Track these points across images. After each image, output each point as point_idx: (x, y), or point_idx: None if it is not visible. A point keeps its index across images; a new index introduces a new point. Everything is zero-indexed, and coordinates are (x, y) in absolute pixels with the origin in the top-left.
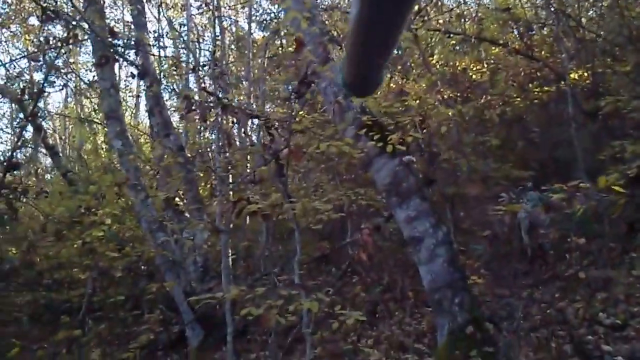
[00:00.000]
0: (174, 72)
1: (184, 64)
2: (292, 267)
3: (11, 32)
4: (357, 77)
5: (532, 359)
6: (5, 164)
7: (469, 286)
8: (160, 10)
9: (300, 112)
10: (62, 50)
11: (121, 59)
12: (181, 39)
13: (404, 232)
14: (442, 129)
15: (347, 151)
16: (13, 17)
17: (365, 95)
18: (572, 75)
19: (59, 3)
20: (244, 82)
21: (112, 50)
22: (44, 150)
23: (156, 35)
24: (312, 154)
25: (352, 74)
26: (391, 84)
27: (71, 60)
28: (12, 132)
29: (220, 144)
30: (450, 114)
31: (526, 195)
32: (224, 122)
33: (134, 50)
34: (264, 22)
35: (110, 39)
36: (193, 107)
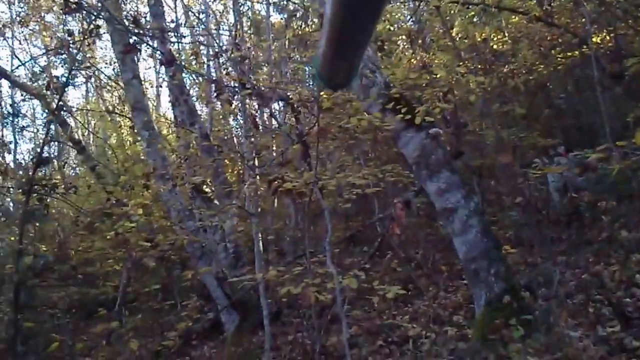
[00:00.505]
0: (194, 61)
1: (203, 52)
2: (322, 249)
3: (30, 29)
4: (331, 71)
5: (570, 324)
6: (35, 160)
7: (503, 255)
8: None
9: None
10: (86, 42)
11: (146, 47)
12: (201, 26)
13: (436, 204)
14: (471, 98)
15: (378, 124)
16: (31, 15)
17: (338, 89)
18: (594, 39)
19: None
20: (263, 68)
21: (136, 39)
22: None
23: (174, 25)
24: (335, 134)
25: (326, 67)
26: (412, 59)
27: (89, 55)
28: (35, 130)
29: (247, 128)
30: (476, 83)
31: (556, 162)
32: (247, 106)
33: (156, 39)
34: (281, 2)
35: (133, 28)
36: (222, 91)
